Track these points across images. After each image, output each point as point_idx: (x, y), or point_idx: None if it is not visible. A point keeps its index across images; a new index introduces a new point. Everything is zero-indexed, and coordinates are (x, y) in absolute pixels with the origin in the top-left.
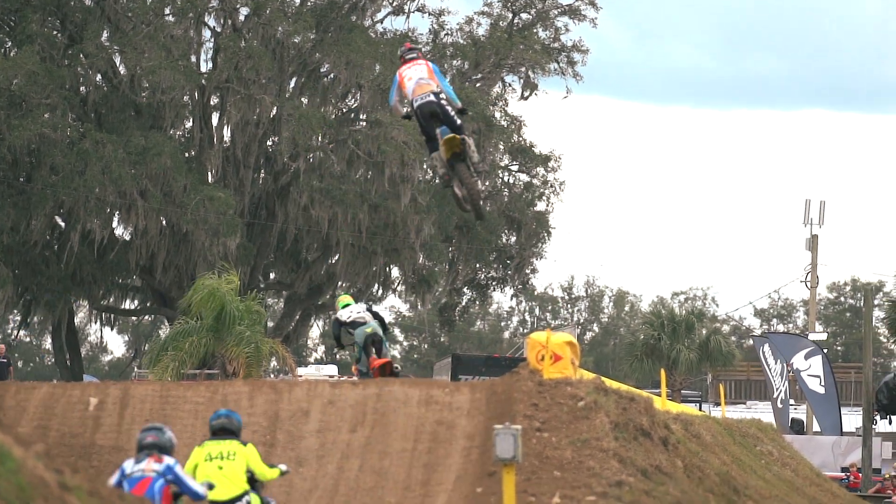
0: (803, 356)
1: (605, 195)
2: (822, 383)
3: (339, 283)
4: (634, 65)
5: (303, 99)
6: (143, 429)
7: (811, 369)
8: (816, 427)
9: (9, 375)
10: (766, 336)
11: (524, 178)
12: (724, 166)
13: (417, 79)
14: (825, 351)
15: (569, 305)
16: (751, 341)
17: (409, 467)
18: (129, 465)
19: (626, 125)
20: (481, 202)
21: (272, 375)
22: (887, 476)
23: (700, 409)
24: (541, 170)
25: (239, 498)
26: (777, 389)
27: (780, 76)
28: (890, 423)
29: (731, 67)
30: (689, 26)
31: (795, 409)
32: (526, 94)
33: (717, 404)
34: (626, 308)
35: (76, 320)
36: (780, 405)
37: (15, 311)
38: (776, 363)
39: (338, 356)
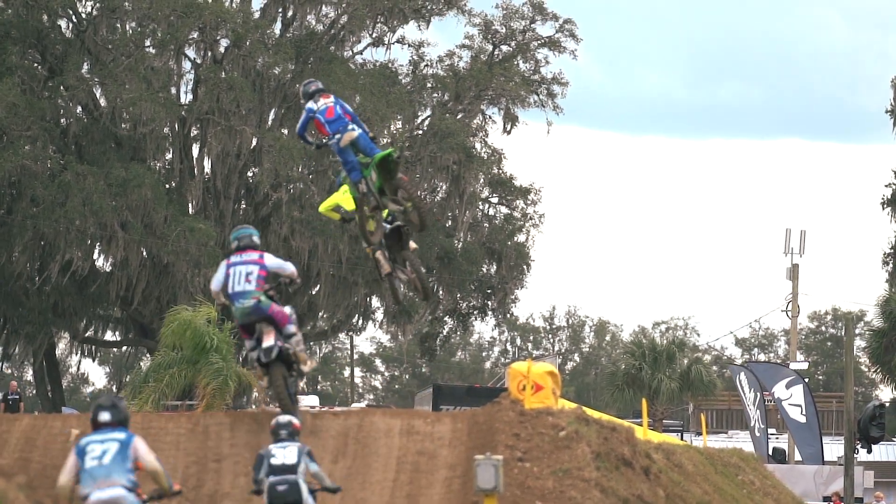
0: (784, 385)
1: (585, 225)
2: (804, 412)
3: (321, 313)
4: (606, 94)
5: (283, 130)
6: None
7: (792, 398)
8: (798, 456)
9: (19, 411)
10: (748, 365)
11: (504, 210)
12: (702, 196)
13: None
14: (806, 380)
15: (550, 335)
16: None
17: (391, 497)
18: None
19: (601, 155)
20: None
21: (253, 407)
22: None
23: (682, 439)
24: (520, 202)
25: None
26: (753, 419)
27: (752, 105)
28: (869, 451)
29: (702, 97)
30: (659, 55)
31: (777, 438)
32: (507, 126)
33: (699, 434)
34: (608, 338)
35: (57, 352)
36: (757, 434)
37: None
38: (751, 392)
39: (319, 387)
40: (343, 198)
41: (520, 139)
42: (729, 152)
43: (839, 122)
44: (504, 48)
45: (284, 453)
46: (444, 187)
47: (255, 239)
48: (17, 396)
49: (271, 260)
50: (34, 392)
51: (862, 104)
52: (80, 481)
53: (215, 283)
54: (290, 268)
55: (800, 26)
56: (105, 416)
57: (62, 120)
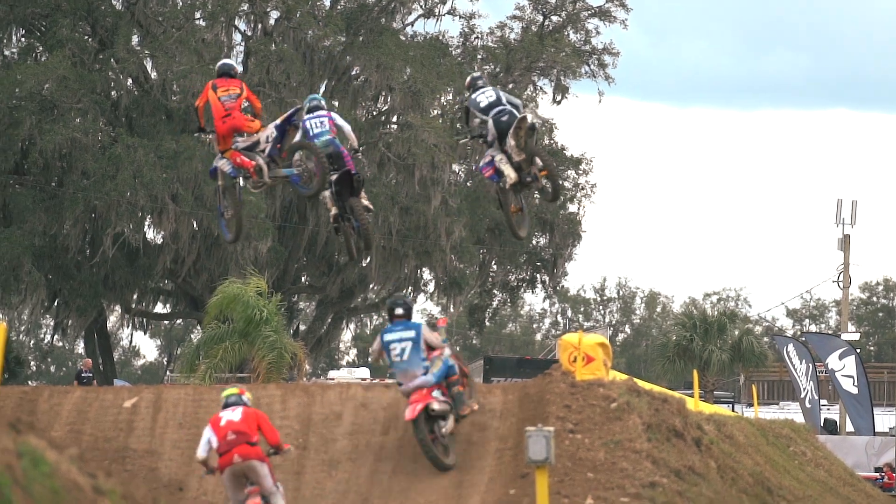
0: (837, 356)
1: (636, 196)
2: (856, 383)
3: (371, 285)
4: (652, 65)
5: (333, 102)
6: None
7: (845, 369)
8: (850, 427)
9: None
10: (804, 335)
11: None
12: (752, 167)
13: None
14: (858, 351)
15: (601, 307)
16: (777, 343)
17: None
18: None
19: (648, 126)
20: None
21: (305, 379)
22: None
23: (732, 410)
24: (572, 172)
25: None
26: (804, 389)
27: (798, 75)
28: None
29: (748, 67)
30: (704, 25)
31: (828, 409)
32: (558, 97)
33: (750, 405)
34: (658, 309)
35: (108, 324)
36: (808, 405)
37: (48, 316)
38: (801, 363)
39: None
40: None
41: (570, 110)
42: (776, 123)
43: (886, 92)
44: (554, 19)
45: None
46: None
47: (323, 103)
48: (91, 374)
49: (337, 117)
50: None
51: None
52: (391, 367)
53: (298, 136)
54: (350, 128)
55: None
56: (399, 311)
57: (112, 92)
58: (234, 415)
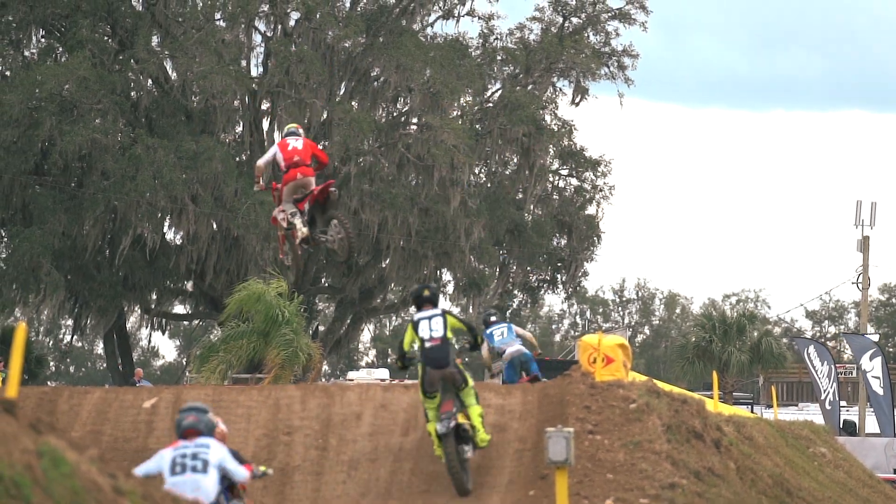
0: (868, 357)
1: (655, 197)
2: (882, 384)
3: (391, 286)
4: (667, 66)
5: (353, 103)
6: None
7: (874, 370)
8: (869, 428)
9: None
10: (843, 336)
11: (574, 182)
12: (770, 168)
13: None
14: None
15: (620, 308)
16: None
17: None
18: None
19: (663, 127)
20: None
21: (323, 380)
22: None
23: (752, 412)
24: (590, 174)
25: None
26: (825, 391)
27: (812, 76)
28: None
29: (762, 68)
30: (717, 25)
31: (847, 410)
32: (577, 99)
33: (769, 406)
34: (678, 310)
35: (128, 325)
36: (828, 406)
37: (67, 317)
38: (822, 364)
39: (389, 360)
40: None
41: (587, 112)
42: (791, 124)
43: None
44: (574, 20)
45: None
46: (514, 160)
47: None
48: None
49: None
50: (104, 365)
51: None
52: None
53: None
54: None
55: None
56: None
57: (132, 93)
58: (297, 143)
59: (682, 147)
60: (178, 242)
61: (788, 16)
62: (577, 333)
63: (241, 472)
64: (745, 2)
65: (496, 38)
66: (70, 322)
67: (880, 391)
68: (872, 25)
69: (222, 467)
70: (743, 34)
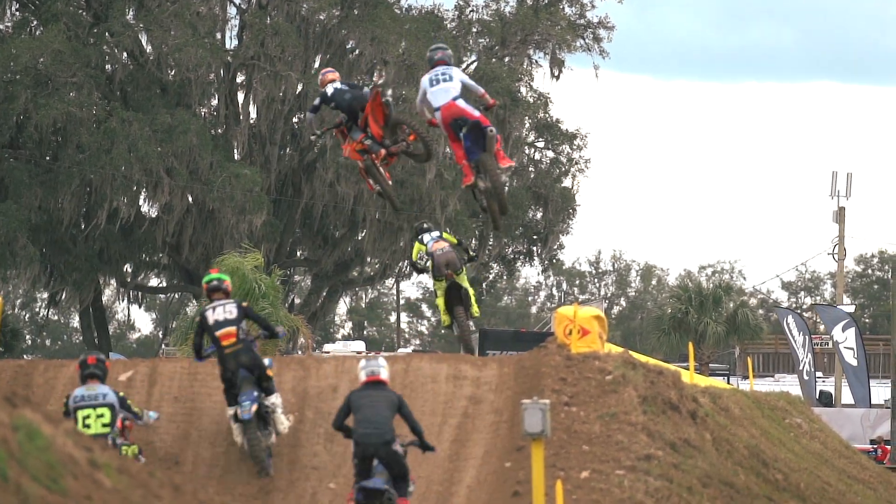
0: (841, 328)
1: (629, 169)
2: (856, 355)
3: (368, 258)
4: (637, 37)
5: None
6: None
7: (847, 341)
8: (846, 399)
9: None
10: (814, 307)
11: (550, 154)
12: (744, 139)
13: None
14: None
15: (596, 280)
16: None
17: (437, 442)
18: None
19: (637, 99)
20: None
21: (300, 352)
22: None
23: (728, 383)
24: (566, 147)
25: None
26: (802, 362)
27: (783, 47)
28: None
29: (732, 39)
30: None
31: (824, 381)
32: (555, 72)
33: (745, 377)
34: (654, 282)
35: (103, 298)
36: (805, 377)
37: (43, 290)
38: (800, 335)
39: (366, 333)
40: None
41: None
42: (763, 95)
43: (872, 64)
44: None
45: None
46: None
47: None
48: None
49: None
50: (80, 339)
51: (891, 46)
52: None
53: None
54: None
55: None
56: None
57: (107, 66)
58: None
59: (655, 119)
60: (154, 216)
61: None
62: (553, 305)
63: None
64: None
65: (472, 11)
66: (46, 295)
67: (854, 362)
68: None
69: None
70: (712, 5)
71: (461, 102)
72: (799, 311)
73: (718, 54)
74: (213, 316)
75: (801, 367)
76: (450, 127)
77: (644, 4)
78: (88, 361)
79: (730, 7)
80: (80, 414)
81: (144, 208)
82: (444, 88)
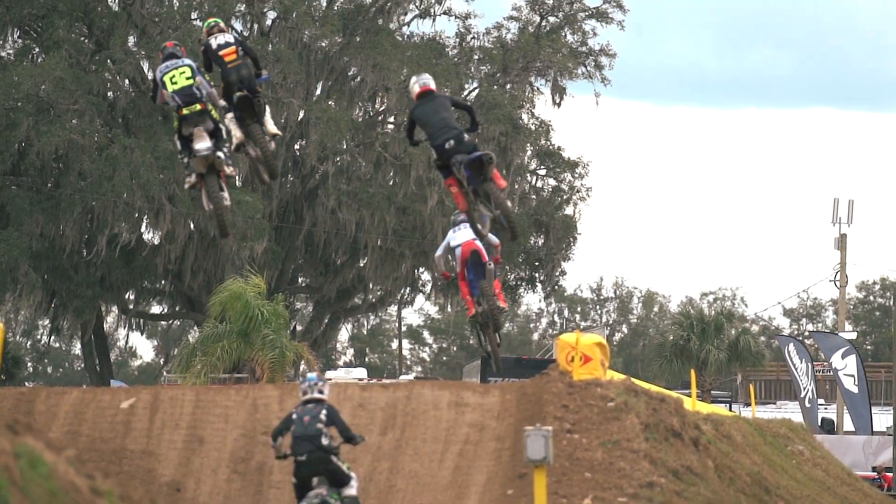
0: (840, 355)
1: (630, 196)
2: (856, 382)
3: (370, 285)
4: (636, 63)
5: (330, 102)
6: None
7: (847, 368)
8: (847, 426)
9: None
10: (812, 334)
11: (552, 182)
12: (745, 166)
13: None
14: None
15: (598, 306)
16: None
17: (439, 469)
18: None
19: (636, 126)
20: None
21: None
22: None
23: (730, 410)
24: (568, 175)
25: None
26: (804, 389)
27: (782, 74)
28: None
29: (731, 65)
30: (685, 23)
31: (826, 408)
32: (557, 99)
33: (748, 405)
34: (655, 309)
35: (105, 325)
36: (808, 405)
37: (44, 317)
38: (801, 362)
39: (367, 360)
40: None
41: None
42: (763, 122)
43: (870, 90)
44: (552, 19)
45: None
46: None
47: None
48: None
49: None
50: (82, 366)
51: (890, 73)
52: None
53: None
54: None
55: None
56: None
57: (109, 93)
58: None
59: (655, 145)
60: (156, 242)
61: (755, 13)
62: (554, 332)
63: None
64: (710, 1)
65: (473, 38)
66: (47, 322)
67: (854, 389)
68: (840, 22)
69: None
70: (710, 32)
71: (479, 243)
72: (801, 339)
73: (717, 80)
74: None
75: (802, 395)
76: (465, 262)
77: (642, 31)
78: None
79: (728, 33)
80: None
81: (146, 235)
82: (466, 232)
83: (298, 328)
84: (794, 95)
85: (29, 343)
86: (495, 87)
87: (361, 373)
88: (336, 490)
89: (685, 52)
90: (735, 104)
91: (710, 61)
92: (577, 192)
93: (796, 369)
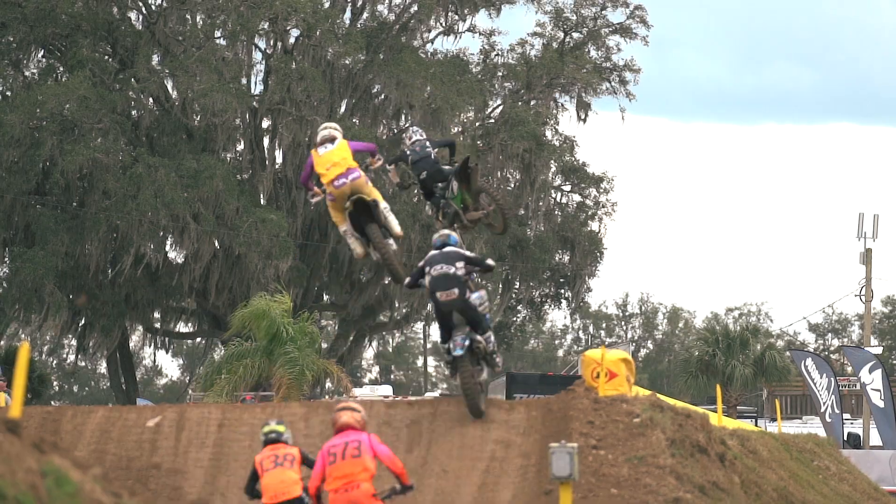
0: (868, 370)
1: (654, 212)
2: (882, 397)
3: (395, 302)
4: (652, 78)
5: (354, 120)
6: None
7: (874, 383)
8: (874, 441)
9: None
10: (843, 348)
11: (577, 198)
12: (767, 181)
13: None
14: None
15: (623, 322)
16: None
17: (465, 486)
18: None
19: (657, 141)
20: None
21: (327, 397)
22: None
23: (756, 425)
24: (592, 191)
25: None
26: (824, 404)
27: (801, 89)
28: None
29: (749, 81)
30: (703, 39)
31: (852, 423)
32: (581, 115)
33: (773, 420)
34: (681, 324)
35: (130, 344)
36: (829, 419)
37: (70, 336)
38: (822, 377)
39: (393, 377)
40: None
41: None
42: (783, 137)
43: (891, 105)
44: (575, 35)
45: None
46: (516, 176)
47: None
48: None
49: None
50: (108, 384)
51: None
52: None
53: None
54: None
55: (846, 7)
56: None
57: (133, 112)
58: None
59: (675, 161)
60: (181, 261)
61: (774, 28)
62: (580, 348)
63: None
64: (728, 16)
65: (497, 54)
66: (73, 341)
67: (881, 403)
68: (859, 37)
69: None
70: (729, 48)
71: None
72: (824, 354)
73: (736, 96)
74: None
75: (823, 410)
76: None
77: (661, 47)
78: None
79: (747, 49)
80: None
81: (171, 254)
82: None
83: (324, 345)
84: (814, 110)
85: (55, 362)
86: (519, 103)
87: (387, 390)
88: None
89: (704, 68)
90: (755, 120)
91: (729, 77)
92: (603, 206)
93: (815, 384)
